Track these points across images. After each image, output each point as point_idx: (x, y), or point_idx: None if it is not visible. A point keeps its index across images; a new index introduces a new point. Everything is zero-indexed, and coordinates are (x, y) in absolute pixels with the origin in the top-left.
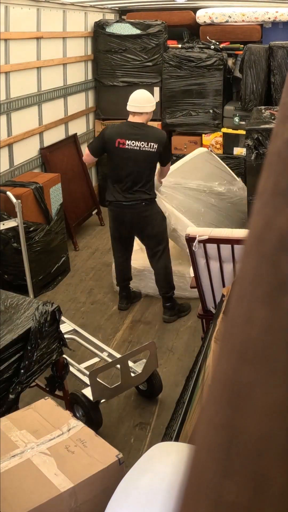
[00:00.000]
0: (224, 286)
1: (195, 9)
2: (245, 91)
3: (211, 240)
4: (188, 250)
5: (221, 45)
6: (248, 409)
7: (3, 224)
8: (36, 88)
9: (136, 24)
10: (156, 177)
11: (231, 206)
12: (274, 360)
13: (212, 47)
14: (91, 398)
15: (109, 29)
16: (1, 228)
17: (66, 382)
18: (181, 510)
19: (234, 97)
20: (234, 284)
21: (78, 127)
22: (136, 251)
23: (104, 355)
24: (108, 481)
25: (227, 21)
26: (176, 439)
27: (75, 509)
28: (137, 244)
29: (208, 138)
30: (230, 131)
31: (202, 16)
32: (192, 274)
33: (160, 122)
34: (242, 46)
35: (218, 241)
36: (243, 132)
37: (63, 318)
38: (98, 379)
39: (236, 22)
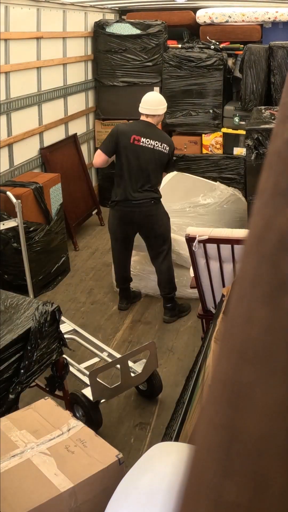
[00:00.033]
0: (224, 286)
1: (195, 9)
2: (245, 91)
3: (211, 240)
4: (188, 250)
5: (221, 45)
6: (248, 409)
7: (3, 224)
8: (36, 88)
9: (136, 24)
10: None
11: (220, 210)
12: (274, 360)
13: (212, 47)
14: (91, 398)
15: (109, 29)
16: (1, 228)
17: (66, 382)
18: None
19: (234, 97)
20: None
21: (78, 127)
22: (136, 252)
23: (104, 355)
24: (108, 481)
25: (227, 21)
26: (176, 439)
27: (75, 509)
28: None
29: (208, 138)
30: (230, 131)
31: (202, 16)
32: (192, 274)
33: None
34: (242, 46)
35: (218, 241)
36: (243, 132)
37: (63, 318)
38: (98, 379)
39: (236, 22)
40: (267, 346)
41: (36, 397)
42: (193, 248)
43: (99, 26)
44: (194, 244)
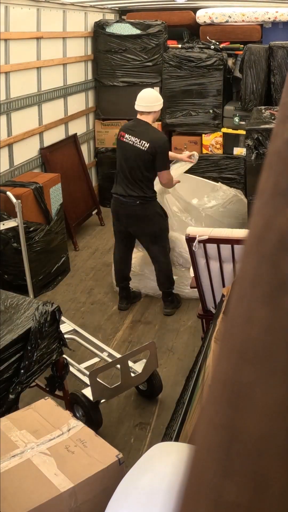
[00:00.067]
0: (224, 286)
1: (195, 9)
2: (245, 91)
3: (211, 240)
4: (188, 250)
5: (221, 45)
6: (248, 409)
7: (3, 224)
8: (36, 88)
9: (136, 24)
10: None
11: (224, 211)
12: (274, 360)
13: (212, 47)
14: (91, 398)
15: (109, 29)
16: (1, 228)
17: (66, 382)
18: (181, 510)
19: (234, 97)
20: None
21: (78, 127)
22: (136, 252)
23: (104, 355)
24: (108, 481)
25: (227, 21)
26: (176, 439)
27: (75, 509)
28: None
29: (208, 138)
30: (230, 131)
31: (202, 16)
32: (192, 274)
33: (160, 122)
34: (242, 46)
35: (218, 241)
36: (243, 132)
37: (63, 318)
38: (98, 379)
39: (236, 22)
40: (267, 346)
41: (36, 397)
42: (193, 248)
43: (99, 26)
44: (194, 244)
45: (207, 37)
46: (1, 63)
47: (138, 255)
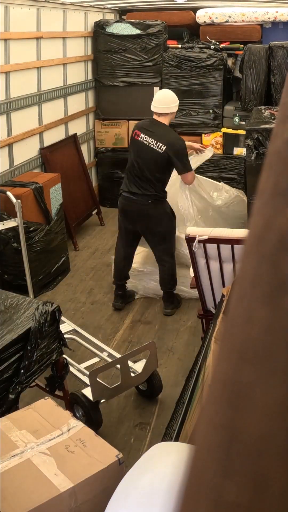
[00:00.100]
0: (224, 286)
1: (195, 9)
2: (245, 91)
3: (211, 240)
4: (188, 250)
5: (221, 45)
6: (248, 409)
7: (3, 224)
8: (36, 88)
9: (136, 24)
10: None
11: (226, 211)
12: (274, 360)
13: (212, 47)
14: (91, 398)
15: (109, 29)
16: (1, 228)
17: (66, 382)
18: (181, 510)
19: (234, 97)
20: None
21: (78, 127)
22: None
23: (104, 355)
24: (108, 481)
25: (227, 21)
26: (176, 439)
27: (75, 509)
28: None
29: (208, 138)
30: (230, 131)
31: (202, 16)
32: (192, 274)
33: None
34: (242, 46)
35: (218, 241)
36: (243, 132)
37: (63, 318)
38: (98, 379)
39: (236, 22)
40: (267, 346)
41: (36, 397)
42: (193, 248)
43: (99, 26)
44: (194, 244)
45: (207, 37)
46: (1, 63)
47: (140, 254)
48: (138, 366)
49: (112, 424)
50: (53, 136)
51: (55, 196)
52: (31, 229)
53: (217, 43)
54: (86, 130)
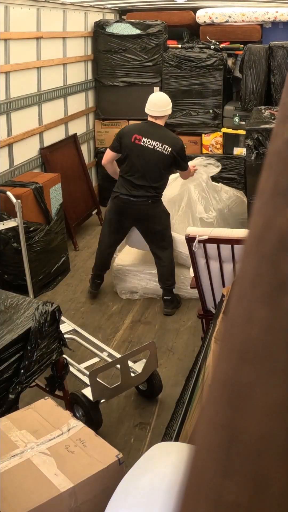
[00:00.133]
0: (224, 286)
1: (195, 9)
2: (245, 91)
3: (211, 240)
4: (188, 250)
5: (221, 45)
6: (248, 409)
7: (3, 224)
8: (36, 88)
9: (136, 24)
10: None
11: (227, 213)
12: (274, 360)
13: (212, 47)
14: (91, 398)
15: (109, 29)
16: (1, 228)
17: (66, 382)
18: (181, 510)
19: (234, 97)
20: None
21: (78, 127)
22: (137, 252)
23: (104, 355)
24: (108, 481)
25: (227, 21)
26: (176, 439)
27: (75, 509)
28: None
29: (208, 138)
30: (230, 131)
31: (202, 16)
32: (192, 274)
33: None
34: (242, 46)
35: (218, 241)
36: (243, 132)
37: (63, 318)
38: (98, 379)
39: (236, 22)
40: (267, 346)
41: (36, 397)
42: (193, 248)
43: (99, 26)
44: (194, 244)
45: (207, 37)
46: (1, 63)
47: (138, 254)
48: (138, 366)
49: (112, 424)
50: (53, 136)
51: (55, 196)
52: (31, 229)
53: (217, 43)
54: (86, 130)
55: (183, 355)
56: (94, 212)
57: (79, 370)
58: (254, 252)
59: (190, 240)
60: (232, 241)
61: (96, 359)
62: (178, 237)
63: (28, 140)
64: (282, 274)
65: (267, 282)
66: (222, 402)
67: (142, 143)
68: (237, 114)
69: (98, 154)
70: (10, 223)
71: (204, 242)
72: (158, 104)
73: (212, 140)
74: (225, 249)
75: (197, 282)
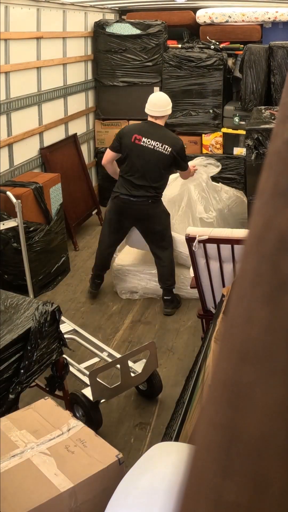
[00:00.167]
0: (224, 286)
1: (195, 9)
2: (245, 91)
3: (211, 240)
4: (188, 250)
5: (221, 45)
6: (248, 409)
7: (3, 224)
8: (36, 88)
9: (136, 24)
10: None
11: (228, 214)
12: (274, 360)
13: (212, 47)
14: (91, 398)
15: (109, 29)
16: (1, 228)
17: (66, 382)
18: (181, 510)
19: (234, 97)
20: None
21: (78, 127)
22: (137, 252)
23: (104, 355)
24: (108, 481)
25: (227, 21)
26: (176, 439)
27: (75, 509)
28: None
29: (208, 138)
30: (230, 131)
31: (202, 16)
32: (192, 274)
33: None
34: (242, 46)
35: (218, 241)
36: (243, 132)
37: (63, 318)
38: (98, 379)
39: (236, 22)
40: (267, 346)
41: (36, 397)
42: (193, 248)
43: (99, 26)
44: (194, 244)
45: (207, 37)
46: (1, 63)
47: (138, 254)
48: (138, 366)
49: (112, 424)
50: (53, 136)
51: (55, 196)
52: (31, 229)
53: (217, 43)
54: (86, 130)
55: (183, 355)
56: (94, 212)
57: (79, 370)
58: (254, 252)
59: (190, 240)
60: (232, 241)
61: (96, 359)
62: (178, 237)
63: (28, 140)
64: (282, 274)
65: (267, 282)
66: (222, 402)
67: (142, 143)
68: (237, 114)
69: (98, 154)
70: (10, 223)
71: (204, 242)
72: (158, 104)
73: (212, 140)
74: (225, 249)
75: (197, 282)
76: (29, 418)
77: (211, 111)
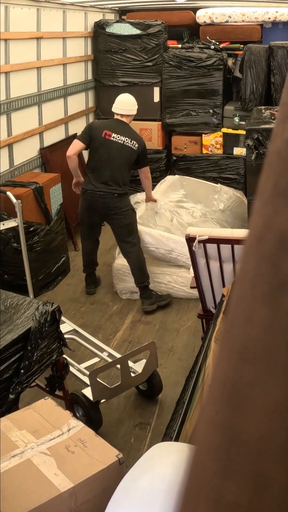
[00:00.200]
0: (224, 286)
1: (195, 9)
2: (245, 91)
3: (211, 240)
4: (188, 250)
5: (221, 45)
6: (248, 409)
7: (3, 224)
8: (36, 88)
9: (136, 24)
10: (148, 196)
11: (228, 214)
12: (274, 360)
13: (212, 47)
14: (91, 398)
15: (109, 29)
16: (1, 228)
17: (66, 382)
18: (181, 510)
19: (234, 97)
20: (234, 284)
21: (78, 127)
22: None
23: (104, 355)
24: (108, 481)
25: (227, 21)
26: (176, 439)
27: (75, 509)
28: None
29: (208, 138)
30: (230, 131)
31: (202, 16)
32: (192, 274)
33: (160, 122)
34: (242, 46)
35: (218, 241)
36: (243, 132)
37: (63, 318)
38: (98, 379)
39: (236, 22)
40: (267, 346)
41: (36, 397)
42: (193, 248)
43: (99, 26)
44: (194, 244)
45: (207, 37)
46: (1, 63)
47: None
48: (138, 366)
49: (112, 424)
50: (53, 136)
51: (55, 196)
52: (31, 229)
53: (217, 43)
54: None
55: (183, 355)
56: None
57: (79, 370)
58: (254, 252)
59: (190, 240)
60: (232, 241)
61: (96, 359)
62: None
63: (28, 140)
64: (282, 274)
65: (267, 282)
66: (222, 402)
67: (112, 139)
68: (237, 114)
69: None
70: (10, 223)
71: (204, 242)
72: (126, 103)
73: (212, 140)
74: (225, 249)
75: (197, 282)
76: (29, 418)
77: (211, 111)
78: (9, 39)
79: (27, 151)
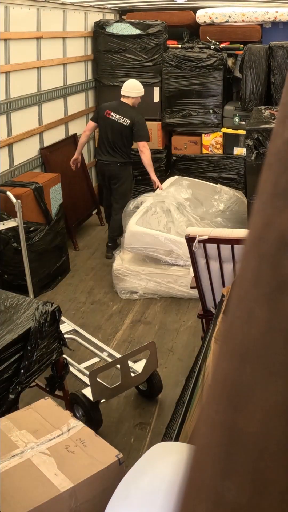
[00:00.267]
0: (224, 286)
1: (195, 9)
2: (245, 91)
3: (211, 240)
4: (188, 250)
5: (221, 45)
6: (248, 409)
7: (3, 224)
8: (36, 88)
9: (136, 24)
10: (151, 176)
11: (229, 214)
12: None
13: (212, 47)
14: (91, 398)
15: (109, 29)
16: (1, 228)
17: (66, 382)
18: (181, 510)
19: (234, 97)
20: (234, 284)
21: (78, 127)
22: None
23: (104, 355)
24: (108, 481)
25: (227, 21)
26: (176, 439)
27: (75, 509)
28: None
29: (208, 138)
30: (230, 131)
31: (202, 16)
32: (192, 274)
33: (160, 122)
34: (242, 46)
35: (218, 241)
36: (243, 132)
37: (63, 318)
38: (98, 379)
39: (236, 22)
40: (267, 346)
41: (36, 397)
42: (193, 248)
43: (99, 26)
44: (194, 244)
45: (207, 37)
46: (1, 63)
47: (138, 255)
48: (138, 366)
49: (112, 424)
50: (53, 136)
51: (55, 196)
52: (31, 229)
53: (217, 43)
54: None
55: (183, 355)
56: (94, 212)
57: (79, 370)
58: (254, 252)
59: (190, 240)
60: (232, 241)
61: (96, 359)
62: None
63: (28, 140)
64: (282, 274)
65: (267, 282)
66: (222, 401)
67: (110, 117)
68: (237, 114)
69: None
70: (10, 223)
71: (204, 242)
72: (127, 86)
73: (212, 140)
74: (225, 249)
75: (197, 282)
76: (29, 418)
77: (211, 111)
78: (9, 39)
79: (27, 151)
